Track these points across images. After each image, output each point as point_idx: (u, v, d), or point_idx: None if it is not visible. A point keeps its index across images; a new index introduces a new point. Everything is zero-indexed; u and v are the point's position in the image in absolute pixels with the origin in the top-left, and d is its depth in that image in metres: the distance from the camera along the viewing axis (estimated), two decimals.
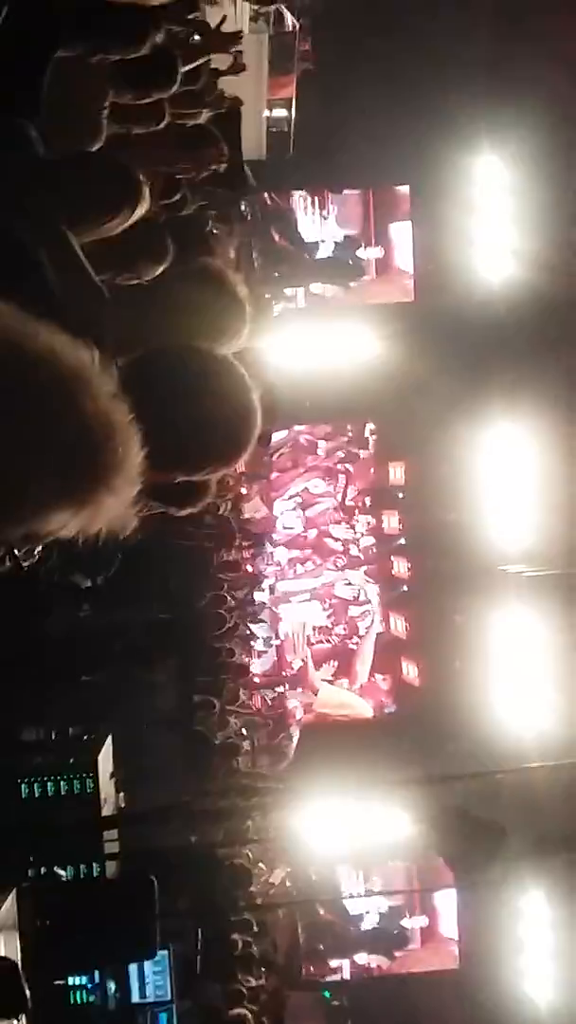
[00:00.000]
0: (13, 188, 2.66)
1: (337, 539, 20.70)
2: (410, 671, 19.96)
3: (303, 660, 20.17)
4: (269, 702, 19.17)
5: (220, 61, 8.38)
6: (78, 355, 1.37)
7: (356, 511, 20.79)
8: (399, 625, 20.30)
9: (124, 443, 1.38)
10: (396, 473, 20.44)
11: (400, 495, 20.32)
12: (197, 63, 6.20)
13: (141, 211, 3.21)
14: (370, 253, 19.61)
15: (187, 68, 5.50)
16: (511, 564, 18.14)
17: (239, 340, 2.80)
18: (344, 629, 20.54)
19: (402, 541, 20.30)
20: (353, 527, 20.75)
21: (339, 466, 20.74)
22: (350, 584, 20.64)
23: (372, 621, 20.56)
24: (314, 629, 20.49)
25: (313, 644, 20.41)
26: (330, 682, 20.23)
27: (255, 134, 13.66)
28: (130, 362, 2.11)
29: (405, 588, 20.17)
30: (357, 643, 20.46)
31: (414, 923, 19.00)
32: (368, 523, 20.79)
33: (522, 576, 17.87)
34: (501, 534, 18.26)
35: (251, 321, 2.89)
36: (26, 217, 2.54)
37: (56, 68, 3.59)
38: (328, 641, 20.45)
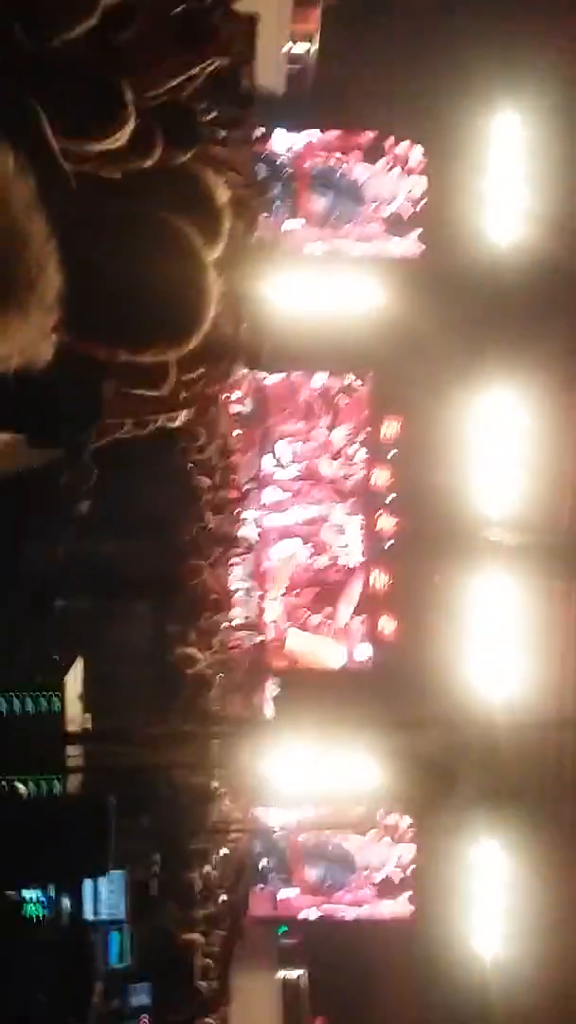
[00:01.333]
0: None
1: (324, 476, 20.71)
2: (387, 626, 20.06)
3: (280, 592, 20.24)
4: (245, 644, 19.24)
5: None
6: None
7: (346, 447, 20.72)
8: (380, 580, 20.35)
9: (38, 261, 1.27)
10: (390, 429, 20.35)
11: (392, 452, 20.26)
12: None
13: (124, 136, 3.05)
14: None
15: None
16: (496, 529, 18.20)
17: (212, 249, 2.68)
18: (328, 561, 20.61)
19: (391, 497, 20.28)
20: (344, 460, 20.71)
21: (335, 399, 20.61)
22: (332, 525, 20.69)
23: (356, 562, 20.63)
24: (296, 566, 20.58)
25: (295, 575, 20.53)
26: (301, 626, 20.32)
27: (274, 64, 13.38)
28: (74, 213, 1.97)
29: (390, 543, 20.19)
30: (340, 575, 20.54)
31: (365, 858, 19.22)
32: (360, 457, 20.73)
33: (504, 542, 17.95)
34: (488, 499, 18.30)
35: (227, 232, 2.79)
36: None
37: None
38: (314, 581, 20.56)
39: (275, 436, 20.56)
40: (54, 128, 2.60)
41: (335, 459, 20.71)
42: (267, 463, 20.52)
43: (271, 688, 17.97)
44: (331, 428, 20.61)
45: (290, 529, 20.63)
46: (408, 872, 18.65)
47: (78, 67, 3.25)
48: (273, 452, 20.56)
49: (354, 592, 20.46)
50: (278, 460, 20.56)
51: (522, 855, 15.55)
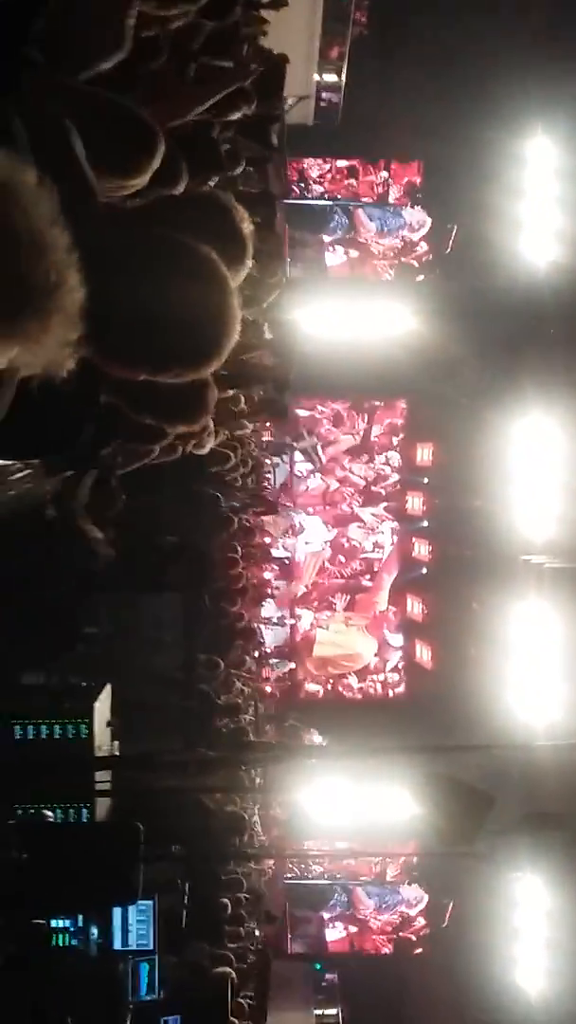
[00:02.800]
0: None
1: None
2: (423, 654, 19.86)
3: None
4: (279, 674, 19.19)
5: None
6: (14, 167, 1.28)
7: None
8: (416, 607, 20.19)
9: (58, 268, 1.27)
10: (424, 454, 20.28)
11: (426, 479, 20.17)
12: None
13: (147, 177, 3.07)
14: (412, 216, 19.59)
15: None
16: (534, 554, 17.97)
17: (237, 275, 2.69)
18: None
19: (425, 523, 20.15)
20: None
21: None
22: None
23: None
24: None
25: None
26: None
27: (303, 97, 13.47)
28: (101, 233, 1.99)
29: (424, 570, 20.04)
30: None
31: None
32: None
33: (543, 567, 17.70)
34: (525, 523, 18.09)
35: (251, 260, 2.79)
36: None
37: None
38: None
39: (305, 439, 20.68)
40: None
41: (369, 463, 20.79)
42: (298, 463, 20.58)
43: (314, 735, 17.86)
44: (366, 432, 20.71)
45: (320, 529, 20.68)
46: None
47: (109, 102, 3.28)
48: (305, 452, 20.65)
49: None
50: (309, 458, 20.65)
51: (565, 886, 15.20)
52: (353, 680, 20.22)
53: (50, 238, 1.28)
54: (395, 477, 20.74)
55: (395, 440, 20.82)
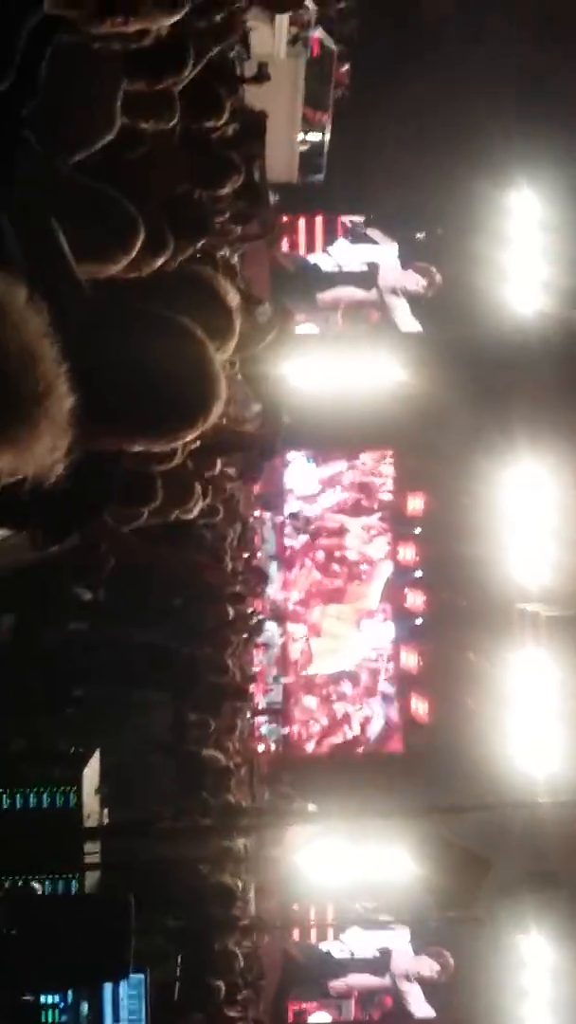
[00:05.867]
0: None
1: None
2: (420, 708, 19.66)
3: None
4: (272, 741, 19.08)
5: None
6: (6, 286, 1.34)
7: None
8: (411, 660, 20.03)
9: (47, 378, 1.33)
10: (415, 504, 20.26)
11: (418, 529, 20.13)
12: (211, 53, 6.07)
13: (123, 266, 3.17)
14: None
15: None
16: (530, 602, 17.89)
17: (224, 352, 2.75)
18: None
19: (418, 574, 20.07)
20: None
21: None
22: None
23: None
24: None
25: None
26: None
27: (287, 156, 13.69)
28: (83, 320, 2.08)
29: (419, 621, 19.92)
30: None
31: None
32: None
33: (540, 615, 17.61)
34: (520, 571, 18.04)
35: (238, 333, 2.83)
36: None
37: (60, 52, 3.49)
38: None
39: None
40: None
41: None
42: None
43: (310, 807, 17.65)
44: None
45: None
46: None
47: (93, 193, 3.36)
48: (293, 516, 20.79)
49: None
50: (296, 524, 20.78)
51: (569, 943, 14.92)
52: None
53: (40, 351, 1.35)
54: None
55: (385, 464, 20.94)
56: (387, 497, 20.98)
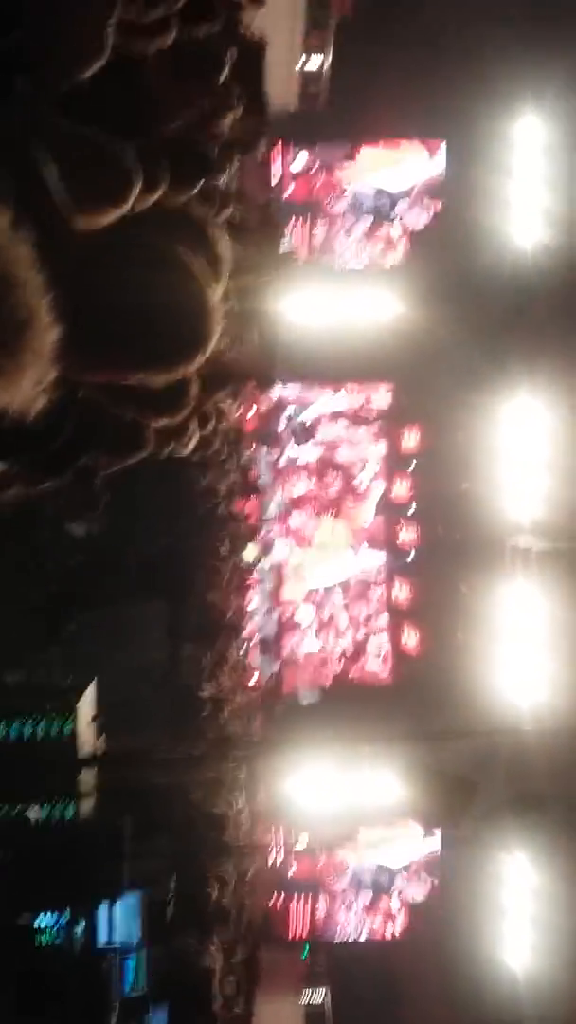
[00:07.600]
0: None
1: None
2: (410, 639, 19.88)
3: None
4: (263, 674, 19.26)
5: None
6: None
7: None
8: (403, 592, 20.19)
9: (29, 306, 1.28)
10: (410, 439, 20.21)
11: (413, 462, 20.11)
12: None
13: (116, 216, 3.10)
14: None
15: None
16: (522, 536, 17.96)
17: (213, 292, 2.72)
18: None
19: (412, 508, 20.12)
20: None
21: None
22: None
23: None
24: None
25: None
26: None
27: (286, 82, 13.34)
28: (72, 253, 2.01)
29: (412, 555, 20.03)
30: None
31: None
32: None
33: (531, 549, 17.70)
34: (513, 505, 18.07)
35: (225, 280, 2.80)
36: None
37: None
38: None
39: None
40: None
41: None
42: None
43: (307, 695, 17.86)
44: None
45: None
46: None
47: (80, 135, 3.27)
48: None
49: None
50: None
51: (551, 865, 15.31)
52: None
53: (22, 276, 1.29)
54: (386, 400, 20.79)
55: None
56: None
